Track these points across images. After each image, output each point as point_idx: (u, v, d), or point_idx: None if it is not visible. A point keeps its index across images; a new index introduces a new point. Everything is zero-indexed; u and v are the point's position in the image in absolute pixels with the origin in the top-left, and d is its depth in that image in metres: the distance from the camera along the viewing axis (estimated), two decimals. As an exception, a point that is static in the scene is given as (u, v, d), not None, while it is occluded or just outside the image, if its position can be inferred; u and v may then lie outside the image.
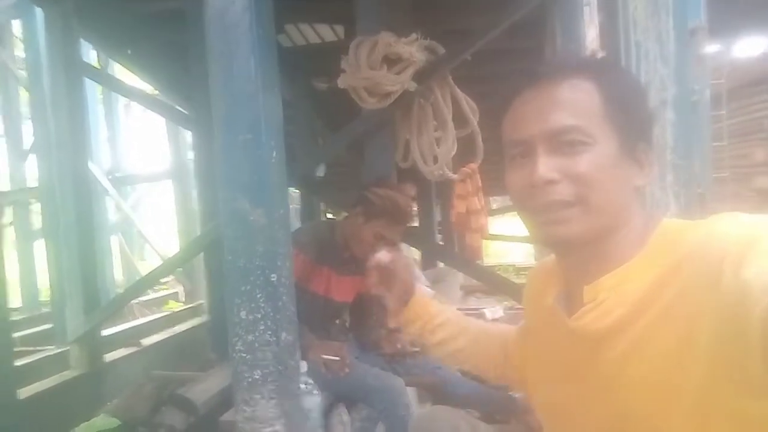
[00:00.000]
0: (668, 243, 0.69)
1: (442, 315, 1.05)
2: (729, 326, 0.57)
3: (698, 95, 2.02)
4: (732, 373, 0.58)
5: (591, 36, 2.77)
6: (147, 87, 4.14)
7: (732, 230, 0.62)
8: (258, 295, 1.09)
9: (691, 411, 0.62)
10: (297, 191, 5.14)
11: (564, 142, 0.69)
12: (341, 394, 1.93)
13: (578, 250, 0.73)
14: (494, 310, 3.66)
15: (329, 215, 6.30)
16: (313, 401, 1.39)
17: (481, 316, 3.66)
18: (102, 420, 1.76)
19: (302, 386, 1.33)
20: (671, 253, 0.67)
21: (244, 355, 1.10)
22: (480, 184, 2.54)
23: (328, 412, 1.88)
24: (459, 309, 3.67)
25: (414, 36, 2.09)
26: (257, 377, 1.10)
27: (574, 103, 0.70)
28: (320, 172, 3.83)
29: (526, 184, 0.72)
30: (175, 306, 4.98)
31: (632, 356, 0.68)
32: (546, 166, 0.69)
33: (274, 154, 1.10)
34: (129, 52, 3.11)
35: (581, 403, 0.76)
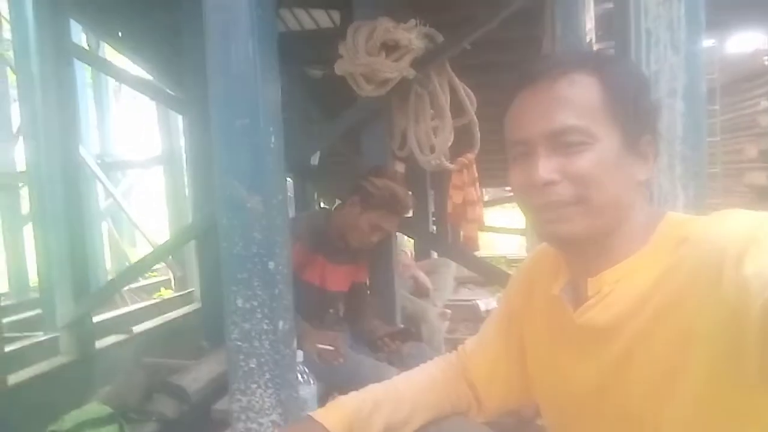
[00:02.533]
0: (672, 237, 0.69)
1: (363, 410, 0.87)
2: (729, 322, 0.57)
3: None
4: (731, 368, 0.58)
5: (589, 26, 2.74)
6: (138, 70, 4.07)
7: (734, 227, 0.62)
8: (255, 283, 1.07)
9: (692, 405, 0.63)
10: (290, 179, 5.10)
11: (564, 143, 0.69)
12: (335, 384, 1.91)
13: (580, 246, 0.73)
14: (487, 301, 3.66)
15: (322, 205, 6.26)
16: (310, 391, 1.37)
17: (474, 307, 3.67)
18: (93, 407, 1.74)
19: (299, 376, 1.31)
20: (674, 248, 0.67)
21: (240, 343, 1.08)
22: (476, 174, 2.52)
23: (322, 401, 1.86)
24: (452, 300, 3.68)
25: (413, 22, 2.06)
26: (253, 366, 1.08)
27: (573, 100, 0.69)
28: (315, 160, 3.80)
29: (528, 184, 0.71)
30: (167, 293, 4.94)
31: (635, 350, 0.68)
32: (546, 167, 0.69)
33: (273, 139, 1.07)
34: (120, 34, 3.04)
35: (587, 395, 0.76)
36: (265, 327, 1.07)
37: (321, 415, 0.87)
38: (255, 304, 1.07)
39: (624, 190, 0.70)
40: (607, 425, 0.74)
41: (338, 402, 0.90)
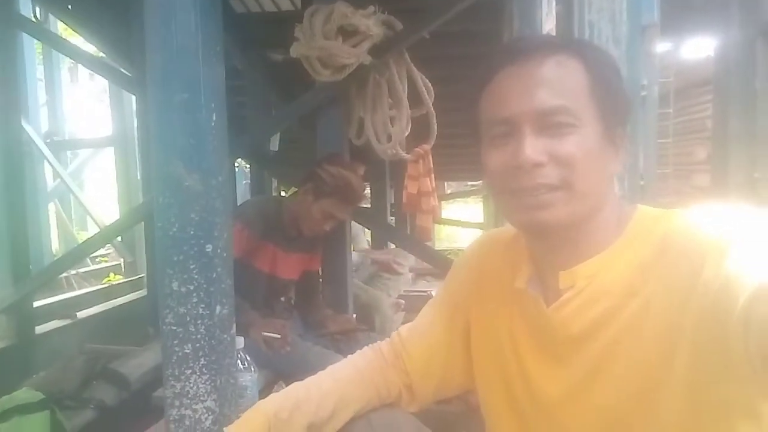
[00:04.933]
0: (646, 232, 0.68)
1: (282, 413, 0.84)
2: (712, 316, 0.57)
3: (647, 91, 2.05)
4: (717, 360, 0.58)
5: (549, 26, 2.78)
6: (91, 48, 3.90)
7: (711, 223, 0.62)
8: (191, 266, 1.03)
9: (678, 399, 0.62)
10: (248, 166, 5.01)
11: (551, 123, 0.66)
12: (282, 372, 1.90)
13: (558, 234, 0.70)
14: (442, 292, 3.68)
15: (282, 192, 6.18)
16: (251, 378, 1.34)
17: (429, 298, 3.69)
18: (24, 393, 1.66)
19: (239, 363, 1.28)
20: (650, 242, 0.67)
21: (175, 328, 1.04)
22: (432, 165, 2.54)
23: (268, 389, 1.84)
24: (408, 290, 3.70)
25: (371, 9, 2.03)
26: (188, 351, 1.05)
27: (561, 81, 0.67)
28: (275, 147, 3.73)
29: (510, 166, 0.68)
30: (116, 279, 4.80)
31: (621, 345, 0.67)
32: (533, 147, 0.66)
33: (214, 117, 1.03)
34: (69, 6, 2.90)
35: (559, 399, 0.73)
36: (201, 311, 1.03)
37: (236, 429, 0.84)
38: (191, 287, 1.03)
39: (602, 180, 0.69)
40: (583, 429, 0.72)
41: (256, 408, 0.87)
